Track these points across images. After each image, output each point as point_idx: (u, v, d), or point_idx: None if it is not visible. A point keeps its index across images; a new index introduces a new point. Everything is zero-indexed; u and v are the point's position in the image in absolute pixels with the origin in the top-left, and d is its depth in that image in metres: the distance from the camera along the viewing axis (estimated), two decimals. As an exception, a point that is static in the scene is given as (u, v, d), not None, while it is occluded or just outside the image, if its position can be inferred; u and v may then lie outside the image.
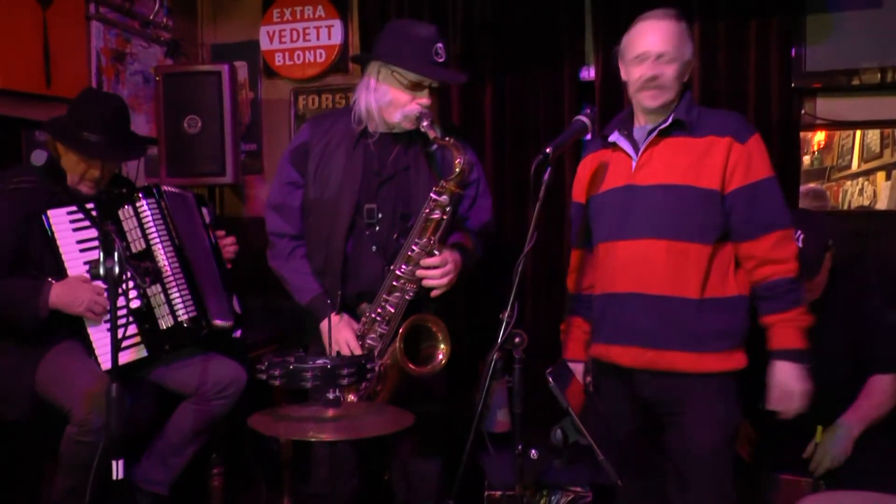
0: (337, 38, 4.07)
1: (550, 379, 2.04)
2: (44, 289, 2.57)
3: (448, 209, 2.41)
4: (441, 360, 2.47)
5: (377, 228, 2.50)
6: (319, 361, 2.02)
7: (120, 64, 3.76)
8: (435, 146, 2.51)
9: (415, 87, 2.43)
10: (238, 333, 3.00)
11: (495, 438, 3.32)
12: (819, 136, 5.83)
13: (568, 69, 3.68)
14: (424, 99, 2.44)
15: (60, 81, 3.40)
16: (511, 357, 2.05)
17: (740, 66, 3.48)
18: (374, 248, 2.50)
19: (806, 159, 5.99)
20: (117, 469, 2.09)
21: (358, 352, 2.45)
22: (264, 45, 4.16)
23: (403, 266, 2.43)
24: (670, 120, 2.29)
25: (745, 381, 2.31)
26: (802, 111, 3.59)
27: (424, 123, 2.41)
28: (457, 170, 2.40)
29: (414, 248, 2.42)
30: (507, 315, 2.01)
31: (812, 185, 5.59)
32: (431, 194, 2.41)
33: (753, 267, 2.26)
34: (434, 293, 2.47)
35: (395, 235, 2.50)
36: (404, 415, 2.04)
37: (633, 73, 2.32)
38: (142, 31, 3.92)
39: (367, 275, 2.50)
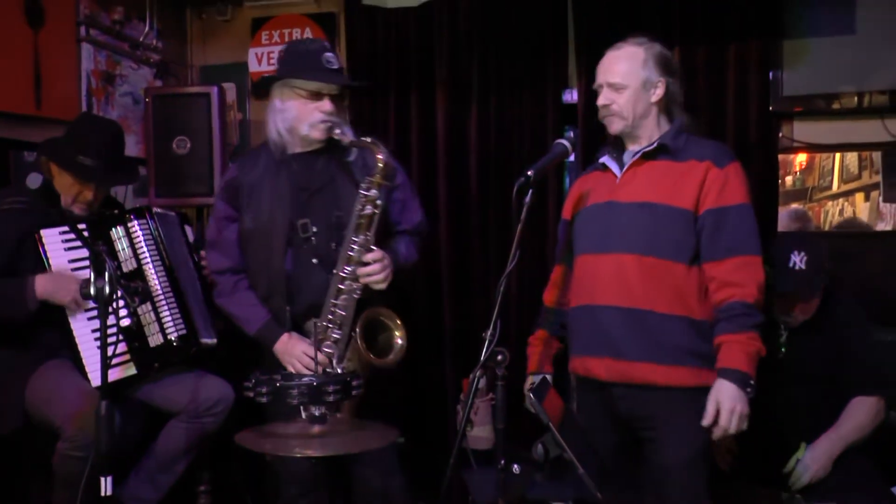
0: (325, 60, 4.13)
1: (531, 395, 2.10)
2: (28, 281, 2.62)
3: (378, 202, 2.50)
4: (401, 345, 2.57)
5: (314, 241, 2.59)
6: (306, 379, 2.08)
7: (110, 85, 3.81)
8: (353, 155, 2.63)
9: (315, 97, 2.56)
10: (222, 350, 3.04)
11: (479, 455, 3.37)
12: (801, 157, 5.94)
13: (551, 92, 3.77)
14: (326, 105, 2.55)
15: (50, 103, 3.44)
16: (494, 374, 2.08)
17: (719, 89, 3.58)
18: (314, 260, 2.58)
19: (788, 180, 6.10)
20: (106, 486, 2.13)
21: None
22: (253, 66, 4.22)
23: (346, 267, 2.50)
24: (655, 144, 2.39)
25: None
26: (780, 134, 3.66)
27: (337, 132, 2.53)
28: (380, 164, 2.49)
29: (353, 246, 2.50)
30: (489, 333, 2.06)
31: (795, 205, 5.69)
32: (360, 190, 2.50)
33: (714, 289, 2.31)
34: (377, 287, 2.54)
35: (334, 245, 2.57)
36: (389, 430, 2.09)
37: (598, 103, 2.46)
38: (132, 52, 3.98)
39: (313, 288, 2.57)
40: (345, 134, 2.54)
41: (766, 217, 3.50)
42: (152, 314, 2.76)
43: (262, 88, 2.70)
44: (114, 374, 2.63)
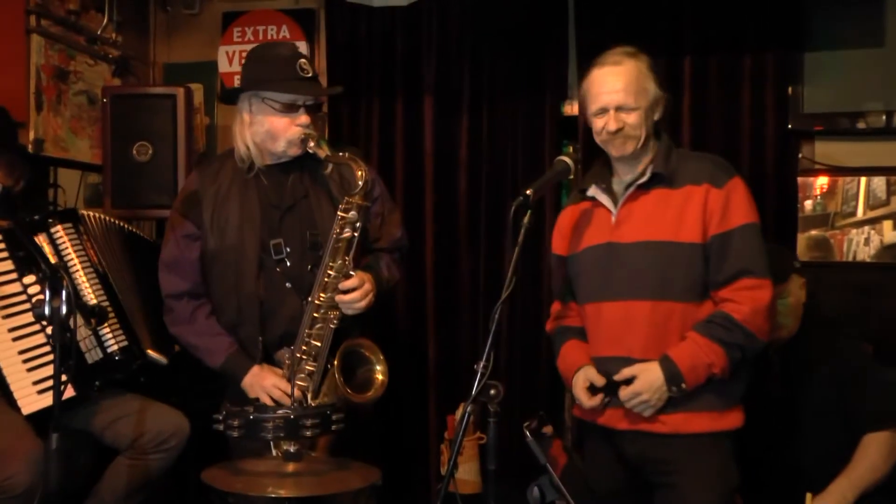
0: (302, 61, 4.20)
1: (528, 434, 2.15)
2: None
3: (358, 225, 2.52)
4: (381, 381, 2.60)
5: (288, 263, 2.61)
6: (281, 411, 2.12)
7: (62, 82, 3.84)
8: (329, 168, 2.65)
9: (290, 109, 2.56)
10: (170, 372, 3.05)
11: (467, 500, 3.42)
12: (822, 181, 6.05)
13: (549, 102, 3.85)
14: (303, 118, 2.57)
15: (-5, 99, 3.47)
16: (486, 410, 2.11)
17: (734, 104, 3.67)
18: (287, 284, 2.61)
19: (808, 204, 6.20)
20: (48, 531, 2.15)
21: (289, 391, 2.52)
22: (223, 66, 4.28)
23: (321, 294, 2.52)
24: (648, 174, 2.42)
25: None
26: (800, 155, 3.75)
27: (311, 145, 2.55)
28: (360, 182, 2.51)
29: (329, 272, 2.52)
30: (482, 365, 2.09)
31: (814, 232, 5.79)
32: (339, 212, 2.52)
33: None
34: (357, 312, 2.56)
35: (309, 267, 2.60)
36: (370, 470, 2.14)
37: (595, 125, 2.45)
38: (88, 47, 4.02)
39: (287, 314, 2.60)
40: (320, 147, 2.55)
41: (783, 244, 3.58)
42: (88, 327, 2.75)
43: (230, 99, 2.70)
44: (46, 400, 2.61)
